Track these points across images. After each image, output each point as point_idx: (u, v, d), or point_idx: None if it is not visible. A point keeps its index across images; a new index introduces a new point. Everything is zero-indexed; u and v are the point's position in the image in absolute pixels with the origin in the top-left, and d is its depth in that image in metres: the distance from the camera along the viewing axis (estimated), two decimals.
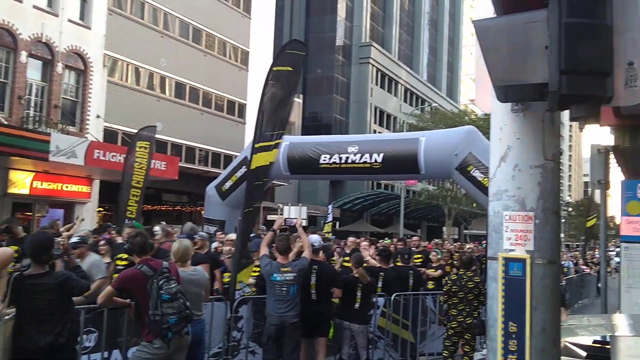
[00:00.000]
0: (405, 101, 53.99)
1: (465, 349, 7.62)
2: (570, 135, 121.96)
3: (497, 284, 2.68)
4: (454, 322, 7.54)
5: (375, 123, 48.88)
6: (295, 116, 39.94)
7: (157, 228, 8.99)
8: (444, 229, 43.85)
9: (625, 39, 2.35)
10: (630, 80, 2.39)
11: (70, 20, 19.96)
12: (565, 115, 2.50)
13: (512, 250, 2.65)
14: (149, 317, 4.82)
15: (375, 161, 14.15)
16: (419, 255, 11.79)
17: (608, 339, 4.84)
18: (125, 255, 6.97)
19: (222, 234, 11.25)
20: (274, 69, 7.79)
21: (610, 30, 2.21)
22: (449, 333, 7.65)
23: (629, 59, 2.38)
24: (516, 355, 2.59)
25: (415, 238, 14.91)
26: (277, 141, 7.95)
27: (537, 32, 2.22)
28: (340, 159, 14.58)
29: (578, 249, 43.54)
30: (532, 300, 2.58)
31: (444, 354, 7.70)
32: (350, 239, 12.16)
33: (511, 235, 2.65)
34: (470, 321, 7.37)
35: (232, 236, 9.19)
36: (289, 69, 7.78)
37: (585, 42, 2.14)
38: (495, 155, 2.76)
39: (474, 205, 39.96)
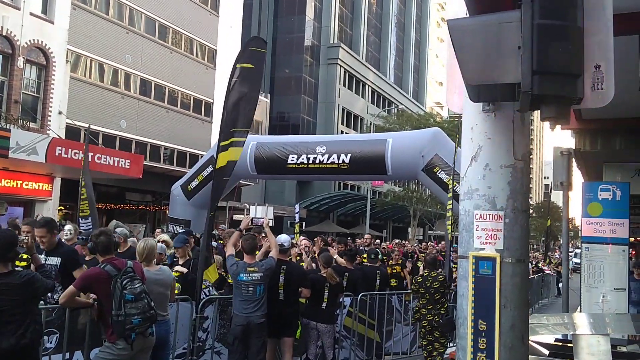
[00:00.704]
0: (372, 103, 54.33)
1: (435, 346, 7.73)
2: (532, 139, 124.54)
3: (467, 282, 2.70)
4: (424, 322, 7.72)
5: (342, 124, 49.05)
6: (263, 116, 39.79)
7: (68, 227, 8.17)
8: (409, 229, 44.29)
9: (593, 42, 2.40)
10: (597, 83, 2.44)
11: (32, 14, 19.45)
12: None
13: (482, 249, 2.68)
14: (112, 317, 4.71)
15: (343, 162, 14.18)
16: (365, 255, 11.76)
17: (569, 338, 4.95)
18: (25, 256, 6.40)
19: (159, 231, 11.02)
20: (238, 65, 7.75)
21: (581, 32, 2.25)
22: (423, 332, 7.82)
23: (596, 62, 2.43)
24: (485, 353, 2.62)
25: (367, 236, 14.87)
26: (240, 139, 7.87)
27: (510, 32, 2.24)
28: (308, 159, 14.57)
29: (538, 250, 44.56)
30: (501, 298, 2.61)
31: (424, 354, 7.86)
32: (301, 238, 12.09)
33: (481, 234, 2.68)
34: (438, 319, 7.54)
35: (165, 237, 8.97)
36: (250, 66, 7.75)
37: (556, 44, 2.17)
38: (466, 154, 2.78)
39: (439, 206, 40.51)
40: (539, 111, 2.73)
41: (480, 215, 2.68)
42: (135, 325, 4.69)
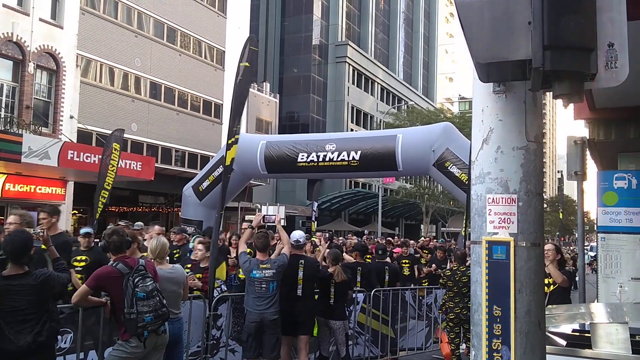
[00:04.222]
0: (381, 100, 54.22)
1: (467, 337, 7.90)
2: (544, 133, 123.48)
3: (480, 267, 2.65)
4: (451, 314, 7.91)
5: (352, 122, 49.01)
6: (272, 116, 39.86)
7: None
8: (422, 226, 44.15)
9: (606, 19, 2.34)
10: (611, 61, 2.38)
11: (41, 20, 19.59)
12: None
13: (496, 233, 2.62)
14: (124, 315, 4.71)
15: (353, 159, 14.15)
16: None
17: (587, 328, 4.86)
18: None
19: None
20: (241, 64, 7.91)
21: (593, 5, 2.19)
22: (450, 325, 8.01)
23: (609, 39, 2.37)
24: (501, 339, 2.57)
25: (319, 234, 14.76)
26: (236, 136, 7.94)
27: (519, 7, 2.19)
28: (318, 157, 14.56)
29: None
30: (516, 283, 2.56)
31: (451, 346, 8.02)
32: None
33: (494, 218, 2.62)
34: (465, 312, 7.73)
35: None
36: (247, 64, 7.90)
37: (568, 17, 2.11)
38: (477, 137, 2.73)
39: (451, 202, 40.34)
40: (552, 101, 2.69)
41: (493, 199, 2.63)
42: (147, 323, 4.69)
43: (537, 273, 2.58)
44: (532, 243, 2.58)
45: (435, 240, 18.35)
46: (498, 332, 2.56)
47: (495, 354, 2.57)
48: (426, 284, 10.93)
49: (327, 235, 16.60)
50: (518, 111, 2.60)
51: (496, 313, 2.57)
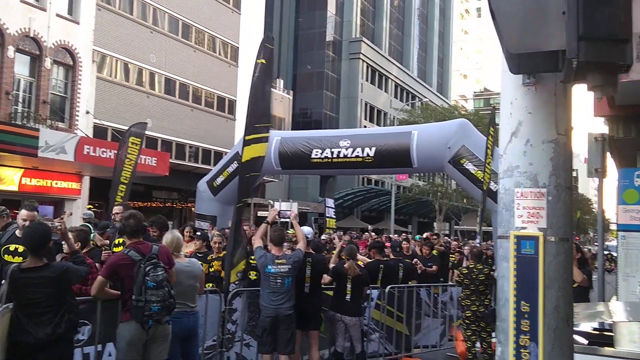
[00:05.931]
0: (395, 97, 53.99)
1: (483, 335, 7.96)
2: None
3: (508, 263, 2.62)
4: (468, 312, 7.97)
5: (365, 119, 48.83)
6: (285, 113, 39.84)
7: None
8: (435, 224, 43.94)
9: (636, 11, 2.29)
10: None
11: (58, 15, 19.74)
12: None
13: (524, 228, 2.59)
14: (132, 301, 4.74)
15: (368, 155, 14.09)
16: None
17: (607, 326, 4.81)
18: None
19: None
20: (258, 61, 7.93)
21: None
22: (466, 322, 8.04)
23: None
24: (529, 335, 2.53)
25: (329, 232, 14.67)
26: (264, 134, 7.93)
27: None
28: (332, 153, 14.51)
29: None
30: (545, 278, 2.52)
31: (467, 344, 8.04)
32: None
33: (523, 212, 2.59)
34: (482, 310, 7.81)
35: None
36: (263, 61, 7.92)
37: (604, 7, 2.07)
38: (505, 131, 2.69)
39: (465, 200, 40.12)
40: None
41: (522, 193, 2.59)
42: (153, 312, 4.73)
43: (565, 268, 2.54)
44: (561, 238, 2.54)
45: (435, 237, 17.11)
46: (526, 328, 2.52)
47: (522, 350, 2.54)
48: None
49: (340, 233, 16.58)
50: (548, 104, 2.56)
51: (524, 309, 2.53)
